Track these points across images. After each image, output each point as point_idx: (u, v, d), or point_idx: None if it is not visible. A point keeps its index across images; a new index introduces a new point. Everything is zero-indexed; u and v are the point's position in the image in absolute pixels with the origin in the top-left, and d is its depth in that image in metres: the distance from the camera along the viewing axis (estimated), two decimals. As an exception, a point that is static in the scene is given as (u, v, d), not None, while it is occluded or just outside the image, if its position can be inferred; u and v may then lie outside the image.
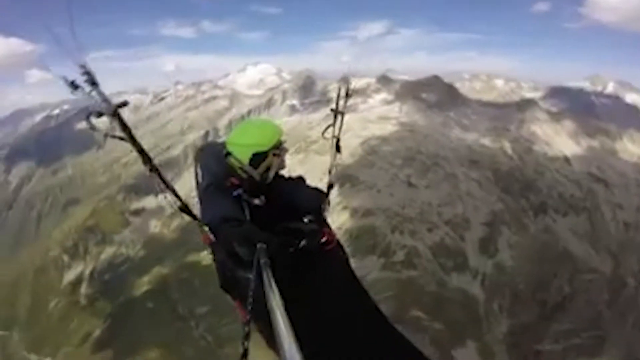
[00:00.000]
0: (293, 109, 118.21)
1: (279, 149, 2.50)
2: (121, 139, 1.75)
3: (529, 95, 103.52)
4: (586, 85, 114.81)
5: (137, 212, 75.77)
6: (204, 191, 2.44)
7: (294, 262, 2.05)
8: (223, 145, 2.72)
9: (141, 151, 2.01)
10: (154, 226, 71.74)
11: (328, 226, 2.63)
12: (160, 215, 72.35)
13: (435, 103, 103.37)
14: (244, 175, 2.44)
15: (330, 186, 2.98)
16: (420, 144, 78.27)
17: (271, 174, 2.49)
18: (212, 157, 2.61)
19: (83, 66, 1.41)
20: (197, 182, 2.59)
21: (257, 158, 2.43)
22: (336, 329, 2.04)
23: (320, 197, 2.74)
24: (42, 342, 53.61)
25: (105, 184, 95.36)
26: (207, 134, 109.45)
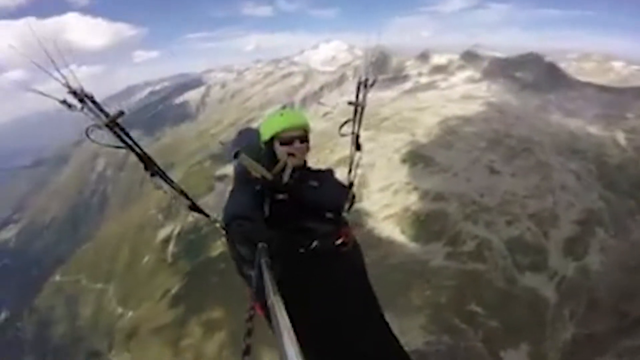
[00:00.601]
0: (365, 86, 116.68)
1: (288, 138, 2.40)
2: (119, 147, 1.78)
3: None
4: None
5: (220, 178, 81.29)
6: (234, 183, 2.50)
7: (300, 262, 2.04)
8: (254, 132, 2.69)
9: (141, 157, 2.03)
10: (183, 208, 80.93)
11: (347, 226, 2.53)
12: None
13: (531, 83, 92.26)
14: (257, 175, 2.37)
15: (350, 185, 2.74)
16: (510, 127, 70.84)
17: (287, 171, 2.39)
18: (245, 143, 2.57)
19: (67, 85, 1.42)
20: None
21: (266, 149, 2.46)
22: (335, 334, 1.98)
23: (343, 195, 2.58)
24: (130, 296, 61.30)
25: (196, 151, 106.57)
26: (284, 108, 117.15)
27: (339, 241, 2.31)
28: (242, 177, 2.48)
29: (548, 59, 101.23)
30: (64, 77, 1.37)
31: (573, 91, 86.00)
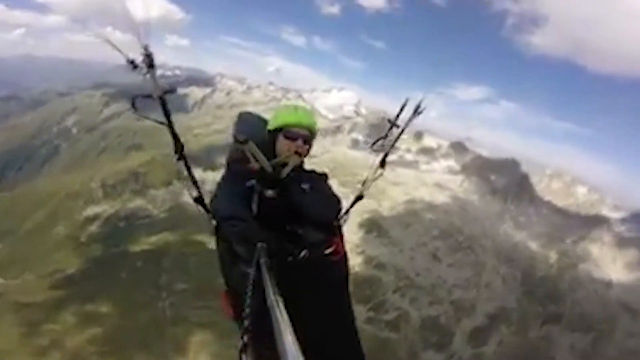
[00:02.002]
0: (355, 143, 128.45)
1: (295, 134, 2.46)
2: (161, 123, 1.87)
3: (608, 213, 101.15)
4: None
5: (182, 179, 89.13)
6: (225, 171, 2.59)
7: (286, 271, 2.01)
8: (258, 118, 2.94)
9: (175, 138, 2.15)
10: (187, 196, 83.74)
11: (341, 235, 2.54)
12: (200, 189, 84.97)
13: (500, 189, 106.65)
14: (257, 165, 2.36)
15: (359, 197, 2.92)
16: (464, 224, 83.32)
17: (287, 168, 2.37)
18: (246, 130, 2.60)
19: (146, 47, 1.60)
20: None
21: (268, 138, 2.54)
22: (314, 346, 1.69)
23: (337, 205, 2.59)
24: (14, 262, 58.96)
25: (171, 144, 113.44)
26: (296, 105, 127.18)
27: (329, 250, 2.28)
28: (236, 167, 2.51)
29: (524, 169, 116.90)
30: (144, 47, 1.60)
31: (531, 207, 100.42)
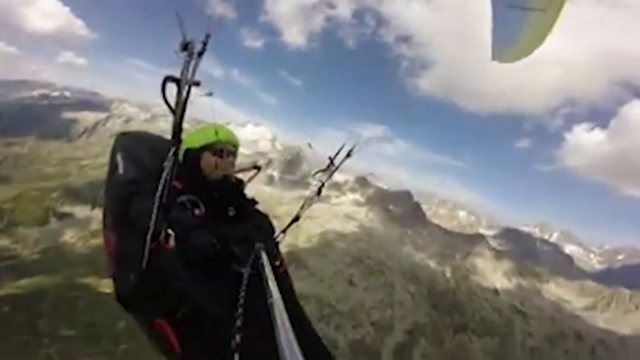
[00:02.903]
0: (271, 180, 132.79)
1: (219, 149, 2.52)
2: (171, 110, 1.71)
3: (483, 231, 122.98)
4: (535, 231, 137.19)
5: (62, 216, 77.78)
6: (128, 185, 2.32)
7: (229, 280, 1.94)
8: (160, 139, 2.90)
9: (178, 133, 1.89)
10: (70, 236, 72.55)
11: (280, 252, 2.62)
12: (83, 228, 74.17)
13: (399, 217, 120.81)
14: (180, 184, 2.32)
15: (295, 219, 3.03)
16: (372, 250, 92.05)
17: (213, 176, 2.47)
18: (144, 149, 2.53)
19: (208, 35, 1.51)
20: (114, 174, 2.48)
21: (190, 156, 2.54)
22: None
23: (271, 224, 2.75)
24: None
25: (49, 177, 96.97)
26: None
27: (277, 262, 2.28)
28: (154, 181, 2.09)
29: (419, 198, 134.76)
30: (205, 35, 1.51)
31: (425, 229, 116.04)
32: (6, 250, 64.13)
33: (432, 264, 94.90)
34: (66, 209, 79.86)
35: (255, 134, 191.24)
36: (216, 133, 2.53)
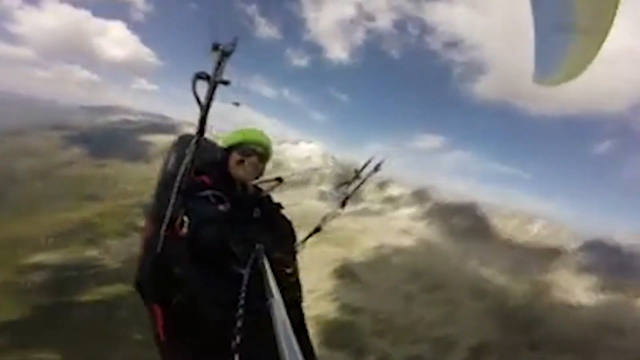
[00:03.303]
0: (322, 195, 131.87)
1: (245, 150, 2.60)
2: (199, 104, 1.91)
3: (565, 244, 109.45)
4: (625, 242, 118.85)
5: (139, 230, 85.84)
6: (170, 179, 2.42)
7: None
8: (208, 142, 3.04)
9: (203, 125, 2.13)
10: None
11: (295, 261, 2.62)
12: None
13: (462, 231, 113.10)
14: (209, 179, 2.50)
15: (317, 229, 3.24)
16: (432, 266, 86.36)
17: (238, 176, 2.55)
18: (183, 150, 2.56)
19: (236, 38, 1.68)
20: (165, 168, 2.80)
21: (221, 155, 2.67)
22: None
23: (293, 231, 2.79)
24: None
25: (131, 195, 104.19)
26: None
27: (289, 270, 2.30)
28: (188, 180, 2.43)
29: (482, 211, 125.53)
30: (234, 38, 1.71)
31: (493, 245, 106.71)
32: (94, 260, 68.88)
33: (503, 280, 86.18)
34: (144, 223, 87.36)
35: (308, 151, 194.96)
36: (244, 134, 2.71)
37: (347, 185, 3.53)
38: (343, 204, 3.45)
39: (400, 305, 69.51)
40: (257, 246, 2.01)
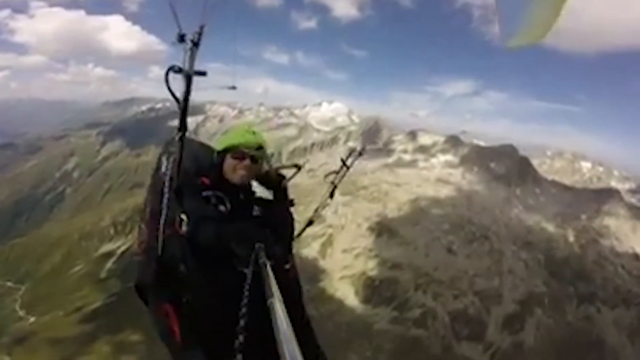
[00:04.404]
0: (352, 153, 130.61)
1: (239, 152, 2.64)
2: (176, 100, 1.93)
3: (617, 185, 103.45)
4: None
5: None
6: (175, 182, 2.51)
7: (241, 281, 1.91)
8: (198, 143, 3.34)
9: (183, 120, 2.14)
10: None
11: (292, 255, 2.81)
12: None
13: (502, 175, 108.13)
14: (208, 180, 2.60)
15: (309, 222, 3.29)
16: (473, 215, 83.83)
17: (233, 181, 2.62)
18: (184, 151, 2.56)
19: (202, 27, 1.66)
20: (157, 173, 2.85)
21: (217, 158, 2.72)
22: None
23: (292, 225, 2.87)
24: (40, 301, 62.59)
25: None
26: (271, 156, 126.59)
27: (287, 266, 2.44)
28: (187, 181, 2.55)
29: (523, 153, 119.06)
30: (200, 25, 1.69)
31: (538, 188, 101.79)
32: None
33: (550, 227, 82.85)
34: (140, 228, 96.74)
35: (331, 111, 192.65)
36: (234, 138, 2.72)
37: (336, 174, 3.43)
38: (331, 194, 3.39)
39: (442, 259, 68.65)
40: (257, 245, 2.04)
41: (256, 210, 2.67)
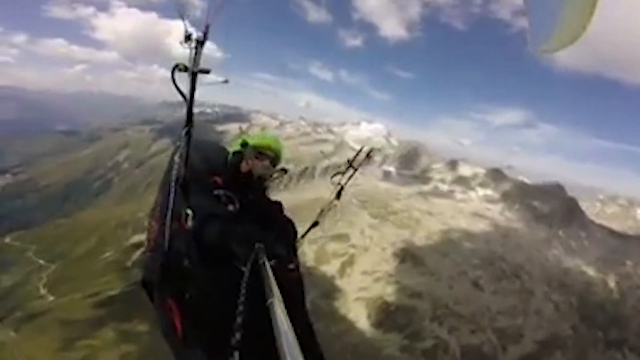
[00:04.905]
0: (387, 175, 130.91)
1: (261, 154, 2.85)
2: (183, 97, 1.96)
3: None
4: None
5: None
6: (182, 176, 2.46)
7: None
8: (211, 143, 3.50)
9: (190, 116, 2.18)
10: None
11: (296, 257, 2.82)
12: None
13: (545, 215, 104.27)
14: (228, 173, 2.78)
15: (314, 224, 3.31)
16: (507, 252, 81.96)
17: (254, 177, 2.81)
18: (196, 153, 2.65)
19: (207, 26, 1.70)
20: (167, 172, 2.79)
21: (236, 155, 2.94)
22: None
23: (294, 228, 2.95)
24: (64, 282, 64.82)
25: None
26: (305, 170, 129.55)
27: (291, 266, 2.47)
28: (199, 180, 2.59)
29: (572, 194, 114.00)
30: (206, 25, 1.77)
31: (583, 231, 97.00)
32: None
33: (591, 271, 78.87)
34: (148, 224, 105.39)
35: (369, 131, 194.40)
36: (261, 139, 2.98)
37: (342, 175, 3.51)
38: (338, 195, 3.47)
39: (466, 293, 67.91)
40: (257, 245, 2.11)
41: (264, 211, 2.79)
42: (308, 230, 3.32)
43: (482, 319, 61.42)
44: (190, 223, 2.28)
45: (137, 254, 71.00)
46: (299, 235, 3.03)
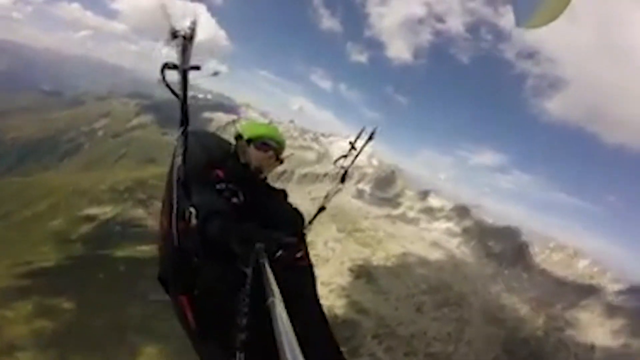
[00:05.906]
0: (360, 194, 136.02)
1: (264, 144, 2.80)
2: (176, 96, 1.90)
3: (606, 285, 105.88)
4: None
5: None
6: (182, 175, 2.37)
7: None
8: (210, 134, 3.37)
9: (186, 114, 2.13)
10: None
11: (305, 244, 2.79)
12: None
13: (497, 254, 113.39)
14: (230, 164, 2.73)
15: (321, 209, 3.22)
16: (454, 282, 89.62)
17: (260, 163, 2.77)
18: (198, 145, 2.71)
19: (194, 22, 1.59)
20: (172, 165, 2.67)
21: (239, 146, 2.86)
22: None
23: (301, 216, 2.93)
24: None
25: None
26: (283, 173, 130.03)
27: (299, 255, 2.49)
28: (199, 172, 2.57)
29: (526, 239, 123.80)
30: (192, 21, 1.59)
31: (526, 273, 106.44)
32: (139, 219, 73.67)
33: (524, 310, 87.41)
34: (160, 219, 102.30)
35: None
36: (265, 129, 2.98)
37: (344, 158, 3.51)
38: (343, 179, 3.40)
39: (409, 315, 74.66)
40: (257, 245, 2.10)
41: (268, 201, 2.79)
42: (315, 216, 3.16)
43: (419, 343, 68.11)
44: (193, 221, 2.27)
45: (86, 227, 67.74)
46: (306, 222, 3.02)
